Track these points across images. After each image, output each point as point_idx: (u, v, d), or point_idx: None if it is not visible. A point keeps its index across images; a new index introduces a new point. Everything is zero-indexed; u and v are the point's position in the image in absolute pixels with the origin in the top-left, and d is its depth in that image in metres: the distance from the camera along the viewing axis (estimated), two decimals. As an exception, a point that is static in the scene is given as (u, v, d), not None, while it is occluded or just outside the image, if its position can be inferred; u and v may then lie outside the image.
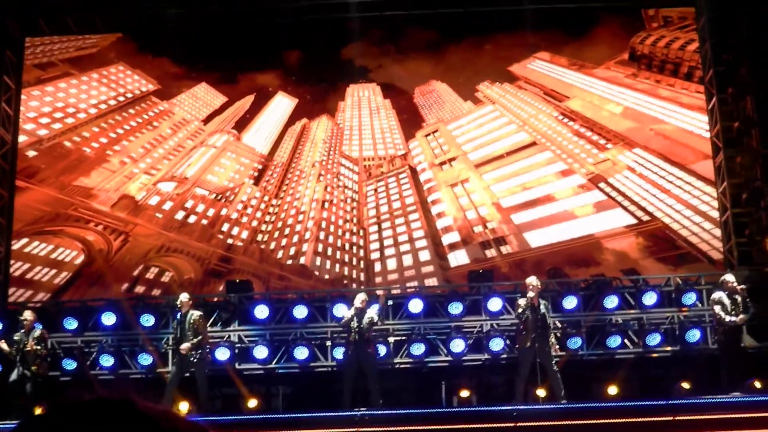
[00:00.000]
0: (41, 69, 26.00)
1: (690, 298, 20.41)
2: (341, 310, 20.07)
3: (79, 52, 26.42)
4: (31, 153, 25.06)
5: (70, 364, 20.62)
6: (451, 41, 25.81)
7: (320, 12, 24.61)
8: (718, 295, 18.48)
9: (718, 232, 22.87)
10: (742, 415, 16.26)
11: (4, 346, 19.03)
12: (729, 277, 18.62)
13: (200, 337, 18.72)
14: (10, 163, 24.20)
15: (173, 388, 18.76)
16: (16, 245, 23.98)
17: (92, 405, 1.85)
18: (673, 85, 25.02)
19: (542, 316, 18.01)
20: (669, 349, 20.59)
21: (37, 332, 19.07)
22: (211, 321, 20.77)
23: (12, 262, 23.78)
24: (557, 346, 18.63)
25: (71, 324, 20.95)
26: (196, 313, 18.95)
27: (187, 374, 18.95)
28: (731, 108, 23.07)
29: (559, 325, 19.75)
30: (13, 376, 18.83)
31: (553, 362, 18.19)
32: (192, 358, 18.60)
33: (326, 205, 25.28)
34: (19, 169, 24.52)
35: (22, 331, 19.00)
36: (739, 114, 22.99)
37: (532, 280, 18.40)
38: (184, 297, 19.10)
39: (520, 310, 18.32)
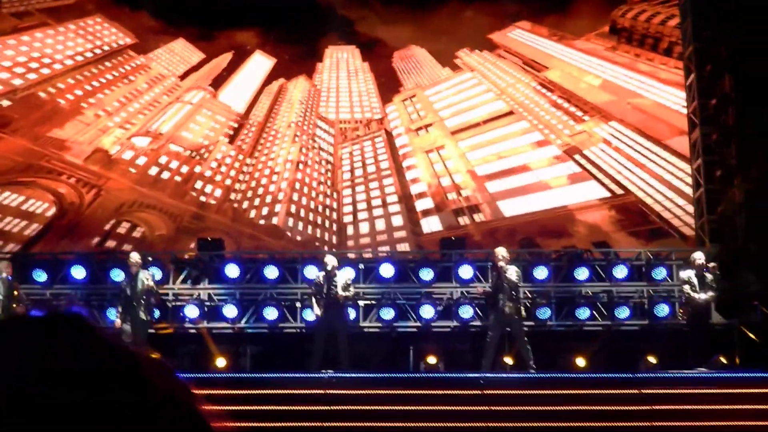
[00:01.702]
0: (18, 18, 25.73)
1: (660, 272, 20.46)
2: (312, 272, 20.02)
3: (56, 2, 26.19)
4: (5, 102, 24.83)
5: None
6: (432, 7, 25.68)
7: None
8: (686, 273, 18.54)
9: (690, 208, 22.94)
10: (707, 391, 16.37)
11: None
12: (697, 255, 18.67)
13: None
14: (-17, 113, 24.04)
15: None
16: (-14, 195, 23.83)
17: (45, 319, 1.84)
18: (652, 59, 25.04)
19: (513, 285, 18.03)
20: (637, 322, 20.68)
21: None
22: (181, 278, 20.69)
23: (-17, 212, 23.65)
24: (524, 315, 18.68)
25: (40, 276, 20.80)
26: (147, 274, 18.61)
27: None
28: (709, 85, 23.08)
29: (529, 294, 19.75)
30: None
31: (523, 331, 18.24)
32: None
33: (301, 166, 25.21)
34: (-8, 118, 24.35)
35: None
36: (716, 91, 23.00)
37: (501, 251, 18.40)
38: (135, 257, 18.74)
39: (491, 278, 18.39)
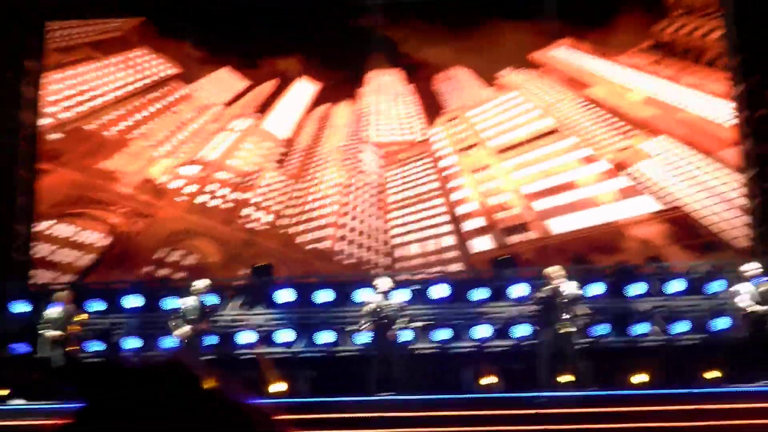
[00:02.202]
0: (63, 53, 25.99)
1: (716, 285, 20.31)
2: (364, 295, 20.03)
3: (101, 35, 26.42)
4: (54, 136, 25.09)
5: (96, 346, 20.60)
6: (473, 28, 25.70)
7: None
8: (737, 287, 18.48)
9: (743, 220, 22.79)
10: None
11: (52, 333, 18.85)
12: (747, 267, 18.57)
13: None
14: (31, 146, 24.23)
15: None
16: (39, 227, 24.04)
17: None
18: (697, 72, 24.91)
19: (567, 302, 17.96)
20: (695, 337, 20.53)
21: (80, 314, 19.12)
22: (235, 304, 20.80)
23: (36, 244, 23.85)
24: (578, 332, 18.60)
25: (95, 306, 20.96)
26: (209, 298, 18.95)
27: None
28: (758, 94, 22.97)
29: (588, 311, 19.59)
30: (53, 355, 18.74)
31: (575, 348, 18.19)
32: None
33: (348, 189, 25.24)
34: (43, 152, 24.59)
35: (60, 309, 18.88)
36: (765, 101, 22.90)
37: (554, 270, 18.35)
38: (200, 283, 19.02)
39: (542, 296, 18.31)
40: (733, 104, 23.52)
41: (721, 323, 19.84)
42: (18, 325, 20.60)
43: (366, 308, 18.79)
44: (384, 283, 18.85)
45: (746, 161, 22.75)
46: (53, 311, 18.82)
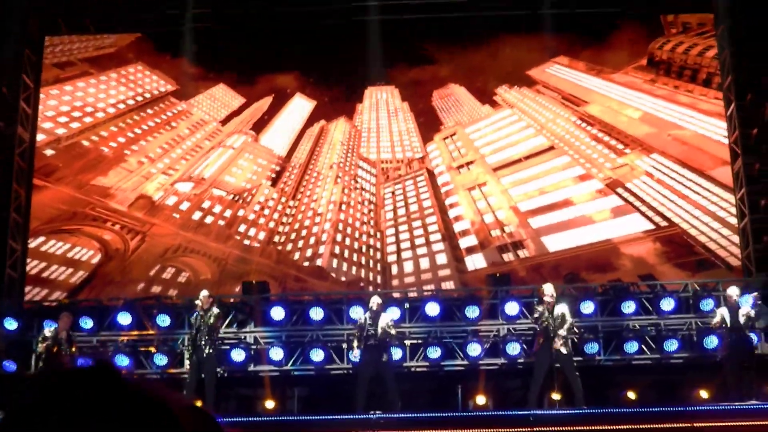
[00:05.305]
0: (60, 68, 26.07)
1: (708, 304, 20.30)
2: (358, 313, 20.02)
3: (98, 51, 26.49)
4: (49, 152, 25.13)
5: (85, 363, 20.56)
6: (470, 45, 25.74)
7: (339, 16, 24.63)
8: (719, 311, 18.61)
9: (736, 238, 22.79)
10: (761, 423, 16.21)
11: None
12: (731, 291, 18.64)
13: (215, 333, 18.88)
14: (27, 162, 24.25)
15: (193, 390, 18.67)
16: (33, 244, 24.06)
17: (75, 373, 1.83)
18: (692, 91, 24.96)
19: (561, 320, 17.97)
20: (686, 355, 20.54)
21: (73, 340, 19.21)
22: (227, 322, 20.78)
23: (29, 260, 23.86)
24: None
25: (87, 323, 20.93)
26: (215, 311, 18.95)
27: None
28: (750, 114, 23.00)
29: (576, 330, 19.55)
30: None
31: (573, 366, 18.20)
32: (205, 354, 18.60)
33: (343, 207, 25.27)
34: (37, 168, 24.60)
35: (54, 329, 18.88)
36: (758, 121, 22.93)
37: (548, 289, 18.39)
38: (204, 294, 19.04)
39: (536, 315, 18.33)
40: (726, 124, 23.53)
41: (712, 342, 19.80)
42: (7, 342, 20.59)
43: (358, 326, 18.81)
44: (377, 300, 18.86)
45: (737, 181, 22.77)
46: (48, 330, 18.83)
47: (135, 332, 21.14)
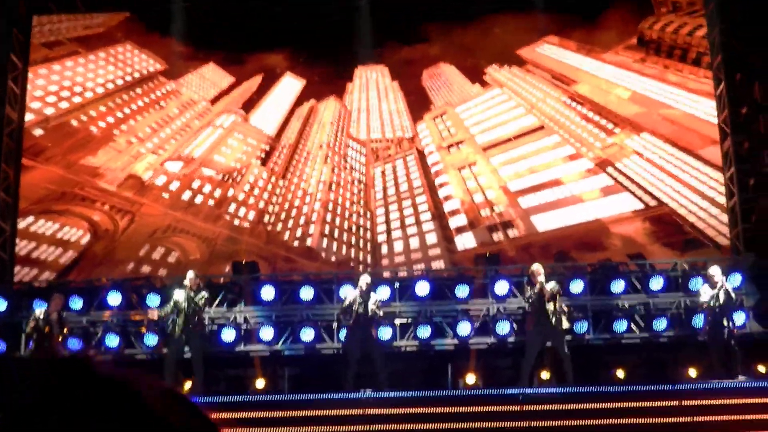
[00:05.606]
0: (48, 47, 25.95)
1: (696, 283, 20.32)
2: (348, 292, 20.00)
3: (86, 31, 26.38)
4: (38, 131, 25.04)
5: (74, 344, 20.52)
6: (460, 23, 25.69)
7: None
8: (701, 289, 18.65)
9: (725, 217, 22.80)
10: (748, 401, 16.27)
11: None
12: (713, 271, 18.64)
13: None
14: (16, 142, 24.14)
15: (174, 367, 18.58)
16: (21, 224, 23.98)
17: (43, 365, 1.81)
18: (681, 70, 24.94)
19: (552, 299, 18.01)
20: (675, 334, 20.57)
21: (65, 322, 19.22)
22: (216, 302, 20.76)
23: (18, 241, 23.79)
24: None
25: (76, 303, 20.88)
26: (205, 294, 18.89)
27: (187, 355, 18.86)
28: (739, 94, 22.99)
29: (565, 309, 19.56)
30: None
31: (565, 344, 18.23)
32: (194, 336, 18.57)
33: (333, 186, 25.23)
34: (26, 148, 24.50)
35: (44, 310, 18.83)
36: (747, 100, 22.92)
37: (538, 268, 18.40)
38: (191, 275, 18.94)
39: (527, 294, 18.36)
40: (715, 103, 23.51)
41: (701, 320, 19.84)
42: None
43: (346, 304, 18.79)
44: (366, 279, 18.85)
45: (726, 160, 22.78)
46: (38, 311, 18.79)
47: (133, 313, 21.10)
